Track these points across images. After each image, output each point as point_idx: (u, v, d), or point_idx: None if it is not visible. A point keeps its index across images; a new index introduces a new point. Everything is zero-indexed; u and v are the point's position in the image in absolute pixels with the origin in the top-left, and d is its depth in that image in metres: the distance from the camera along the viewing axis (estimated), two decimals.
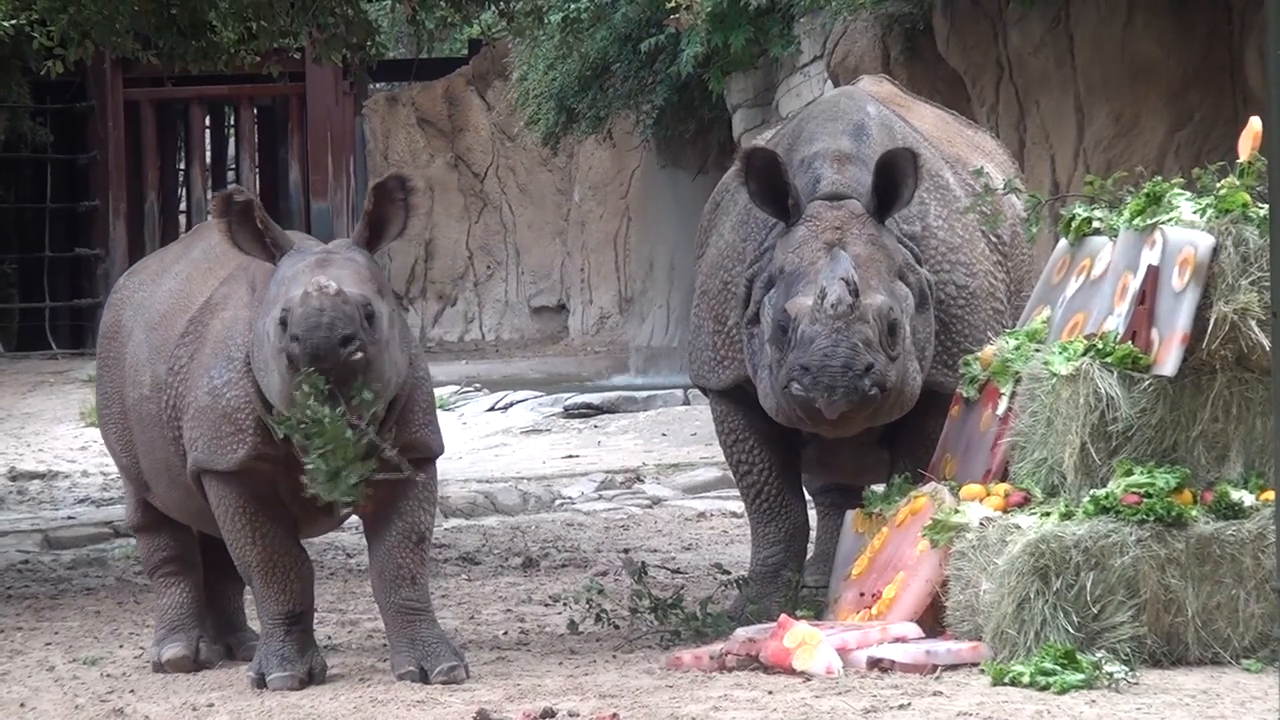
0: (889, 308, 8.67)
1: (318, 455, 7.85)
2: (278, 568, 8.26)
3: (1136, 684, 7.58)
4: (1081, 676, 7.54)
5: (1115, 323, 8.33)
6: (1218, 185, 8.36)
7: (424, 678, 8.08)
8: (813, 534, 10.07)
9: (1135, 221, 8.45)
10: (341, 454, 7.85)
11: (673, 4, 19.57)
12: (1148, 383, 8.15)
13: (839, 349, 8.44)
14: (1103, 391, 8.12)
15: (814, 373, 8.45)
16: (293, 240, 8.27)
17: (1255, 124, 8.47)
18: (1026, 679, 7.57)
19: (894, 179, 8.88)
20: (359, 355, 7.80)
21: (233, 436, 8.19)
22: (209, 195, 35.88)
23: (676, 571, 11.55)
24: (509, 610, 10.25)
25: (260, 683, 8.17)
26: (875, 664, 7.92)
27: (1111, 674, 7.56)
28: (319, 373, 7.76)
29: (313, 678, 8.19)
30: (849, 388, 8.45)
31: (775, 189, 8.94)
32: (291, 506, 8.30)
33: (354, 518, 8.76)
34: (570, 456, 18.93)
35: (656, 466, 17.30)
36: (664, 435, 19.95)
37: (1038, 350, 8.59)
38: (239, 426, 8.17)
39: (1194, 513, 7.99)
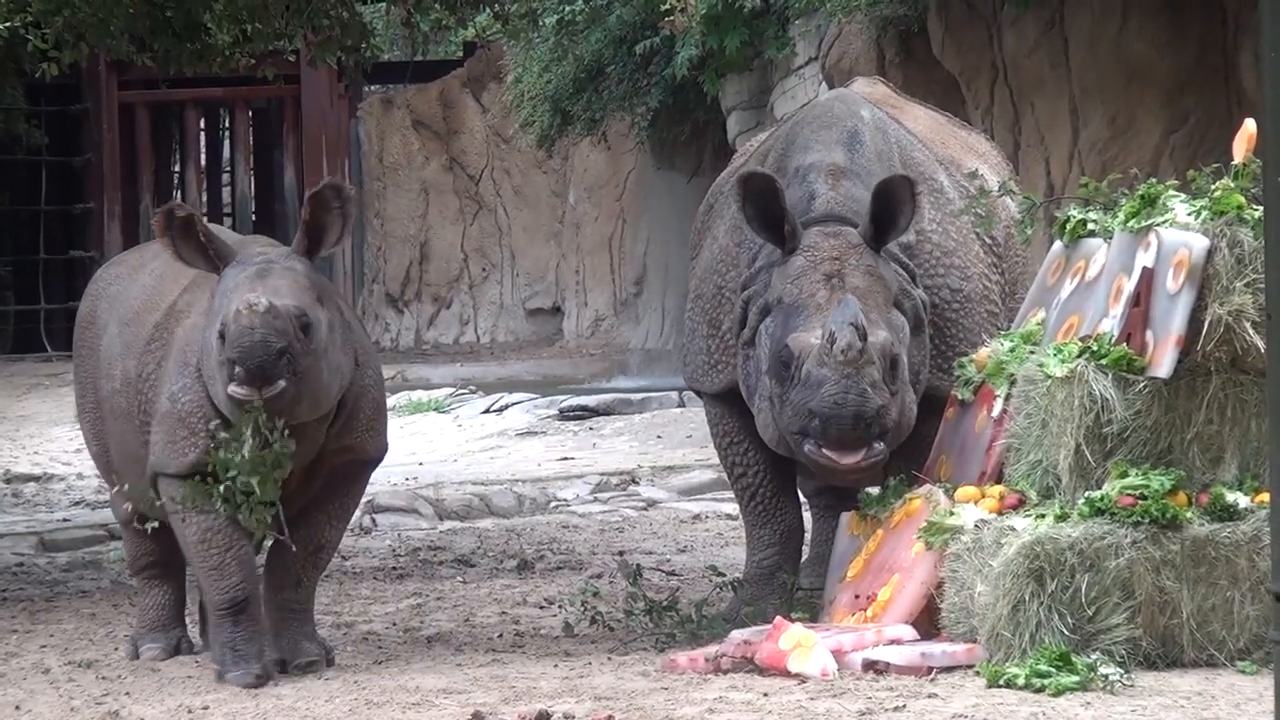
0: (891, 343, 8.68)
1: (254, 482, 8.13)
2: (213, 549, 8.31)
3: (1131, 686, 7.58)
4: (1076, 678, 7.54)
5: (1110, 325, 8.32)
6: (1212, 187, 8.36)
7: (284, 668, 8.39)
8: (808, 536, 10.07)
9: (1130, 223, 8.45)
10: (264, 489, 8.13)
11: (667, 6, 19.57)
12: (1143, 385, 8.15)
13: (849, 396, 8.45)
14: (1097, 393, 8.12)
15: (824, 421, 8.46)
16: (235, 251, 8.39)
17: (1250, 126, 8.47)
18: (1021, 681, 7.57)
19: (891, 207, 8.85)
20: (285, 385, 7.92)
21: (186, 440, 8.32)
22: (204, 197, 35.92)
23: (671, 574, 11.54)
24: (504, 613, 10.24)
25: (221, 677, 8.28)
26: (870, 666, 7.93)
27: (1106, 676, 7.57)
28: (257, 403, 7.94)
29: (268, 672, 8.26)
30: (861, 439, 8.48)
31: (772, 215, 8.92)
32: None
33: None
34: (565, 459, 18.91)
35: (652, 469, 17.28)
36: (659, 438, 19.94)
37: (1033, 352, 8.59)
38: (192, 430, 8.30)
39: (1189, 515, 7.99)
